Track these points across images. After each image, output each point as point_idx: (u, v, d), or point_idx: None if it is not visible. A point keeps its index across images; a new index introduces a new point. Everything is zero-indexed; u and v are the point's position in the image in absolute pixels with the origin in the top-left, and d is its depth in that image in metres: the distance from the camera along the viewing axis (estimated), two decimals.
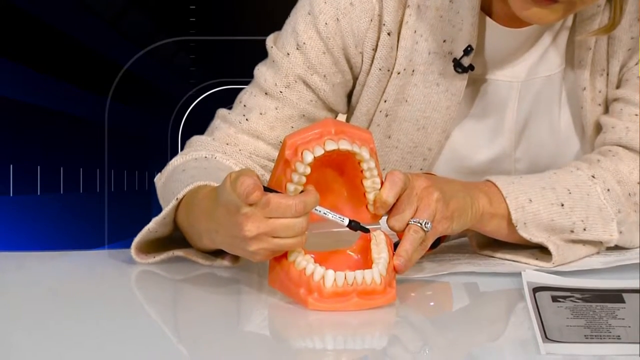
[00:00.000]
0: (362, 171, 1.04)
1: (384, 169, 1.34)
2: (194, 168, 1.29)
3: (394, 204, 1.07)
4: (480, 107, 1.38)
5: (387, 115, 1.37)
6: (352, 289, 0.97)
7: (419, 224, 1.08)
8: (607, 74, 1.36)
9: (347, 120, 1.43)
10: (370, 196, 1.06)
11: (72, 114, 7.71)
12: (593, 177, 1.26)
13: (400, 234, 1.09)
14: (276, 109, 1.36)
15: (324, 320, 0.95)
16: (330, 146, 1.01)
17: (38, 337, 0.90)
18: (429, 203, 1.09)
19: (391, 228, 1.08)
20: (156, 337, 0.92)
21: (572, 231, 1.21)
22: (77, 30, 7.66)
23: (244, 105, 1.38)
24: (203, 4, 8.49)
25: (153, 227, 1.18)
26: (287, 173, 1.01)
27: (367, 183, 1.05)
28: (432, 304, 1.08)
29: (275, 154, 1.36)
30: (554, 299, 0.96)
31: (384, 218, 1.09)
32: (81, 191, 7.85)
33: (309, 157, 1.00)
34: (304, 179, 1.01)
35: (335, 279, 0.97)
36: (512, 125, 1.38)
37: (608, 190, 1.25)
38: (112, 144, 7.39)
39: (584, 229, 1.21)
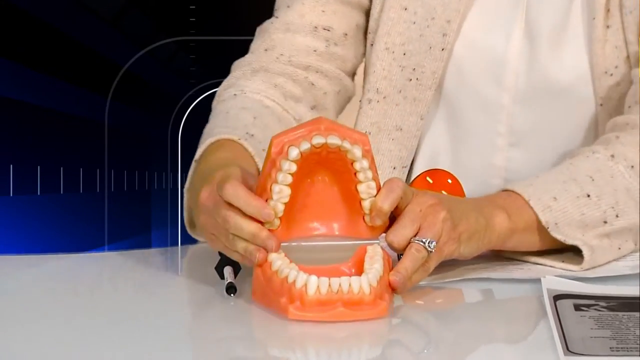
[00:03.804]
0: (355, 174, 0.96)
1: (404, 53, 1.31)
2: (218, 114, 1.29)
3: (395, 220, 0.99)
4: None
5: None
6: (338, 297, 0.89)
7: (421, 243, 0.98)
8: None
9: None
10: (366, 203, 0.97)
11: (72, 114, 7.71)
12: (612, 156, 1.15)
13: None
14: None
15: (307, 332, 0.89)
16: (318, 140, 0.93)
17: (39, 341, 0.88)
18: (435, 222, 0.99)
19: (389, 244, 0.98)
20: (146, 340, 0.91)
21: (605, 222, 1.11)
22: (77, 30, 7.67)
23: (275, 10, 1.37)
24: (203, 4, 8.49)
25: (186, 195, 1.18)
26: (272, 174, 0.94)
27: (361, 188, 0.96)
28: (442, 312, 1.01)
29: (314, 44, 1.33)
30: (577, 307, 0.89)
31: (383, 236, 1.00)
32: (81, 191, 7.85)
33: (294, 152, 0.93)
34: (289, 178, 0.94)
35: (318, 286, 0.89)
36: (521, 25, 1.30)
37: (632, 167, 1.15)
38: (112, 144, 7.38)
39: (617, 216, 1.12)
